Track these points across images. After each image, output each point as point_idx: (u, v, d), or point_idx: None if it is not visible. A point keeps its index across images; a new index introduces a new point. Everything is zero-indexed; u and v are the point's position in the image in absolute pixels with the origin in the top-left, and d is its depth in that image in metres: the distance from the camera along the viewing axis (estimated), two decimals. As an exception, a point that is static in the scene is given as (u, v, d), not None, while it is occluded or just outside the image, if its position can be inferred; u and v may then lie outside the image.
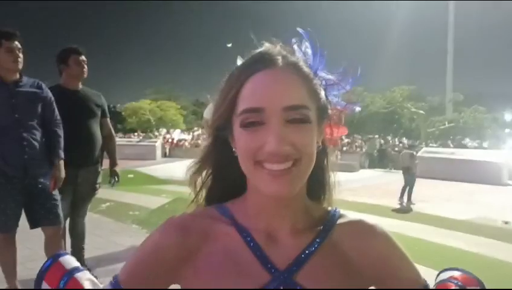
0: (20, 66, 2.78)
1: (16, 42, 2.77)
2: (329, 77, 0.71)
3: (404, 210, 7.96)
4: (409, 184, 8.54)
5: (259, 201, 0.68)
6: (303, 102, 0.62)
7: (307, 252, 0.67)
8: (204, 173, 0.74)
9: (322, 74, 0.70)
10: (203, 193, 0.76)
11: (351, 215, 0.73)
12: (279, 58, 0.64)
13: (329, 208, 0.74)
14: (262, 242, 0.67)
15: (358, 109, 0.76)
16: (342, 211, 0.74)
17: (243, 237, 0.68)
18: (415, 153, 9.71)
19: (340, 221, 0.72)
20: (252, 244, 0.67)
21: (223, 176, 0.73)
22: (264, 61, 0.63)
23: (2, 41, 2.72)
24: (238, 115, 0.63)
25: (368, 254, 0.69)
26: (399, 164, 10.29)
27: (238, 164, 0.66)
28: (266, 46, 0.68)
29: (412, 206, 8.21)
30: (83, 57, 3.34)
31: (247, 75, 0.63)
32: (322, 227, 0.70)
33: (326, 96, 0.69)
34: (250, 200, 0.70)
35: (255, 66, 0.64)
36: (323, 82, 0.70)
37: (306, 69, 0.66)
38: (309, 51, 0.70)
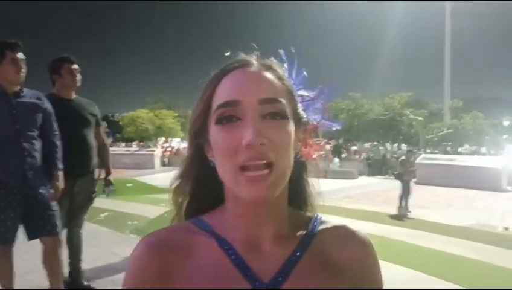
0: (23, 78, 2.77)
1: (20, 53, 2.76)
2: (307, 94, 0.73)
3: (403, 217, 7.94)
4: (403, 191, 8.53)
5: (239, 210, 0.65)
6: (279, 96, 0.62)
7: (291, 260, 0.64)
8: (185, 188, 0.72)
9: (300, 92, 0.72)
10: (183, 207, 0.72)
11: (333, 220, 0.72)
12: (254, 60, 0.66)
13: (311, 215, 0.73)
14: (245, 253, 0.64)
15: (337, 126, 0.76)
16: (323, 217, 0.73)
17: (224, 249, 0.64)
18: (411, 159, 9.66)
19: (322, 226, 0.70)
20: (233, 257, 0.63)
21: (203, 190, 0.71)
22: (239, 62, 0.65)
23: (7, 52, 2.71)
24: (213, 112, 0.62)
25: (348, 258, 0.68)
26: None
27: (217, 175, 0.65)
28: (242, 55, 0.68)
29: (411, 212, 8.17)
30: (76, 66, 3.31)
31: (223, 75, 0.64)
32: (305, 233, 0.68)
33: (303, 110, 0.70)
34: (229, 210, 0.67)
35: (229, 66, 0.65)
36: (301, 100, 0.71)
37: (280, 71, 0.67)
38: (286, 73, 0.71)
